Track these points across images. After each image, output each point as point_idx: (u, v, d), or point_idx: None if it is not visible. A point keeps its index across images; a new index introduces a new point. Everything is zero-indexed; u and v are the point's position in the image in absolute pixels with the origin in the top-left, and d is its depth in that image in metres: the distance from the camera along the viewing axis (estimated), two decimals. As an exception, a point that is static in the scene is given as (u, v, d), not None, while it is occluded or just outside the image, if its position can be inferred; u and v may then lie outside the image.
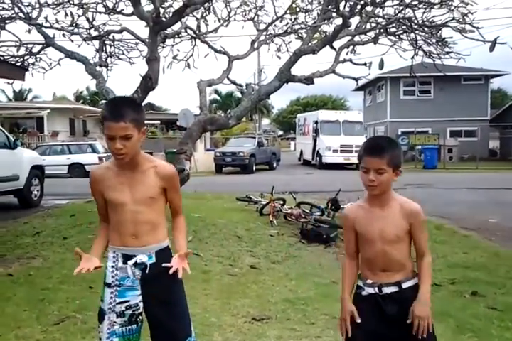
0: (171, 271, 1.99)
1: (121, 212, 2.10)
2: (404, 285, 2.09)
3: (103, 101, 35.75)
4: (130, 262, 2.10)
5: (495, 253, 6.05)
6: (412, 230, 2.09)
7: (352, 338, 2.13)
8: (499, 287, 4.61)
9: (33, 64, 8.54)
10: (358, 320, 2.06)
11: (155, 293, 2.10)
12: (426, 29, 7.08)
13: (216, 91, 45.59)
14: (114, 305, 2.11)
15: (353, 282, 2.16)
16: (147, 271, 2.10)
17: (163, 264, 2.04)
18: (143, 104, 8.30)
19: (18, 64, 8.28)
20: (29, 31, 7.86)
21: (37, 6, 7.58)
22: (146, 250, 2.11)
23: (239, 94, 35.87)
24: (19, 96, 42.05)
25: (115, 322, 2.10)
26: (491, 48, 5.57)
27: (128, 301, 2.11)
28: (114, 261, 2.14)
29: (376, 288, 2.09)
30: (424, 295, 2.03)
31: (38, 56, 8.40)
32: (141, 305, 2.13)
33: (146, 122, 2.15)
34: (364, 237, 2.13)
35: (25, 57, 8.37)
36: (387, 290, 2.09)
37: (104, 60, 8.36)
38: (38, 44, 8.16)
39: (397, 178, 2.08)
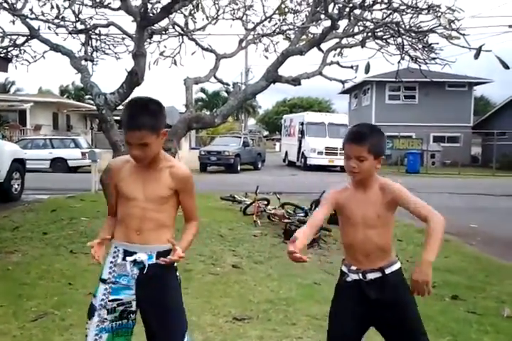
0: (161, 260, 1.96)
1: (131, 206, 2.08)
2: (387, 271, 2.13)
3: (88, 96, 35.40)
4: (129, 259, 2.07)
5: (475, 258, 6.13)
6: (399, 202, 2.08)
7: (337, 325, 2.17)
8: (479, 291, 4.66)
9: (16, 56, 8.38)
10: None
11: (150, 295, 2.04)
12: (413, 34, 7.13)
13: (202, 90, 45.32)
14: (106, 301, 2.07)
15: None
16: (145, 271, 2.06)
17: (161, 259, 1.98)
18: (127, 99, 8.19)
19: (2, 55, 8.12)
20: (13, 22, 7.70)
21: (22, -4, 7.45)
22: (148, 249, 2.08)
23: (226, 94, 35.78)
24: (1, 88, 41.36)
25: (105, 318, 2.06)
26: (476, 56, 5.61)
27: (121, 300, 2.08)
28: (114, 257, 2.12)
29: (360, 275, 2.13)
30: (425, 261, 1.95)
31: (22, 48, 8.23)
32: (134, 303, 2.09)
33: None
34: (348, 221, 2.15)
35: (9, 49, 8.21)
36: (371, 276, 2.12)
37: (89, 54, 8.23)
38: (23, 36, 7.99)
39: (380, 166, 2.10)
